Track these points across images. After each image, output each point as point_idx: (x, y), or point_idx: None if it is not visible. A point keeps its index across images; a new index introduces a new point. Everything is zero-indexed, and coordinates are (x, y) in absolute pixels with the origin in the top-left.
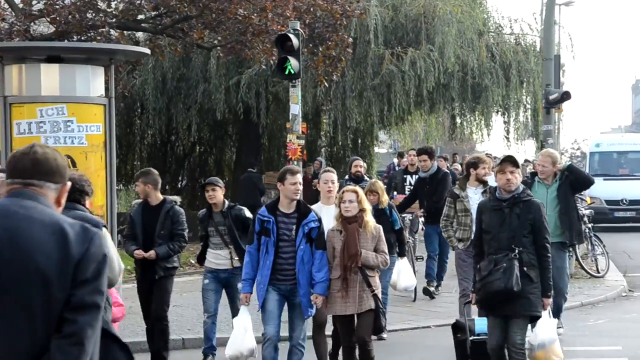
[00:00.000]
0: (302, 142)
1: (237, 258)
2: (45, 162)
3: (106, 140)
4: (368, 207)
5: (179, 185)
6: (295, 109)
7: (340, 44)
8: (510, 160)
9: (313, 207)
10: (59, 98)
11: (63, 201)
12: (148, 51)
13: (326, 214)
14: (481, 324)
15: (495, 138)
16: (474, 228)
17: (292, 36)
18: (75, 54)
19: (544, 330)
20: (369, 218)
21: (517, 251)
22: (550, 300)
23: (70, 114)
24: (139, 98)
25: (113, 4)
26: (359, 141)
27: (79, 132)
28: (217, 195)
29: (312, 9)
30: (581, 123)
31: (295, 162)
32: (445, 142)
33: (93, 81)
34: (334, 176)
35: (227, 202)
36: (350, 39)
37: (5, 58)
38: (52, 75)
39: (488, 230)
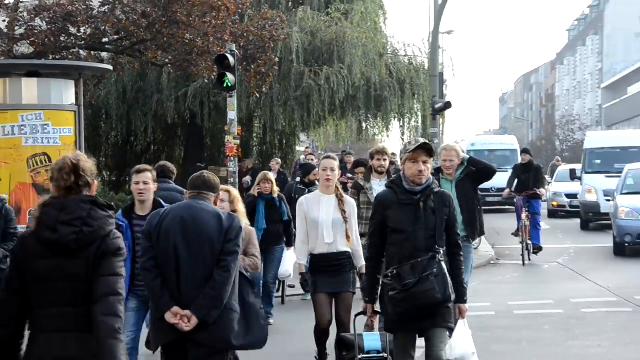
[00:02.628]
0: (238, 142)
1: None
2: (209, 182)
3: (76, 140)
4: (241, 209)
5: None
6: (232, 115)
7: (269, 63)
8: (424, 148)
9: (309, 195)
10: (37, 106)
11: (217, 202)
12: (111, 68)
13: (325, 204)
14: (371, 340)
15: (394, 139)
16: None
17: (229, 56)
18: (51, 70)
19: (462, 342)
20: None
21: (441, 253)
22: (467, 306)
23: (46, 119)
24: (103, 106)
25: (82, 30)
26: (284, 141)
27: (54, 134)
28: None
29: (245, 34)
30: (460, 127)
31: (232, 158)
32: (353, 142)
33: (65, 92)
34: (334, 163)
35: None
36: (277, 59)
37: None
38: (31, 87)
39: (399, 229)
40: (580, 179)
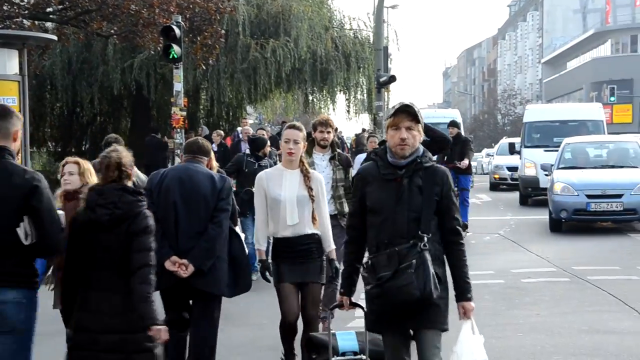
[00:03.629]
0: (184, 113)
1: None
2: (203, 147)
3: (21, 110)
4: (95, 181)
5: (83, 149)
6: (178, 86)
7: (215, 35)
8: (406, 111)
9: (270, 170)
10: None
11: (211, 165)
12: (55, 38)
13: (289, 179)
14: (347, 340)
15: (340, 112)
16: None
17: (175, 28)
18: None
19: (469, 349)
20: None
21: (426, 239)
22: (472, 304)
23: None
24: (48, 77)
25: None
26: (231, 114)
27: None
28: None
29: (191, 6)
30: (404, 100)
31: (179, 130)
32: (300, 114)
33: (9, 62)
34: (298, 134)
35: None
36: (223, 31)
37: None
38: None
39: (377, 210)
40: (519, 152)
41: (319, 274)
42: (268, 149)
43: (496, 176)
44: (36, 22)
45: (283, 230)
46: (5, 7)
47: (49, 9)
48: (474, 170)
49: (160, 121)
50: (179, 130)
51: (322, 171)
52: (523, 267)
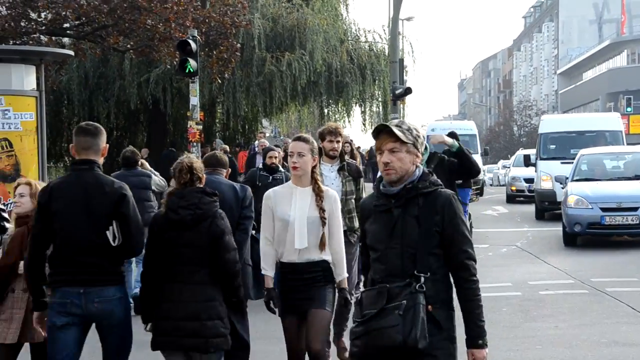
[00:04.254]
0: (200, 127)
1: None
2: (221, 160)
3: (38, 126)
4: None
5: None
6: (194, 100)
7: (230, 49)
8: (386, 131)
9: (278, 188)
10: None
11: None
12: (72, 53)
13: (299, 198)
14: None
15: (355, 125)
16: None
17: (191, 42)
18: (11, 55)
19: None
20: None
21: (422, 280)
22: (485, 352)
23: (7, 104)
24: (65, 92)
25: (43, 15)
26: (247, 127)
27: (15, 119)
28: None
29: (207, 20)
30: (420, 112)
31: (195, 144)
32: (315, 128)
33: (26, 77)
34: (303, 147)
35: None
36: (239, 45)
37: None
38: None
39: (373, 246)
40: (534, 165)
41: (324, 301)
42: (274, 159)
43: (513, 188)
44: (53, 38)
45: (289, 254)
46: (22, 24)
47: (66, 25)
48: (489, 182)
49: (177, 135)
50: (195, 144)
51: (331, 183)
52: (541, 279)
